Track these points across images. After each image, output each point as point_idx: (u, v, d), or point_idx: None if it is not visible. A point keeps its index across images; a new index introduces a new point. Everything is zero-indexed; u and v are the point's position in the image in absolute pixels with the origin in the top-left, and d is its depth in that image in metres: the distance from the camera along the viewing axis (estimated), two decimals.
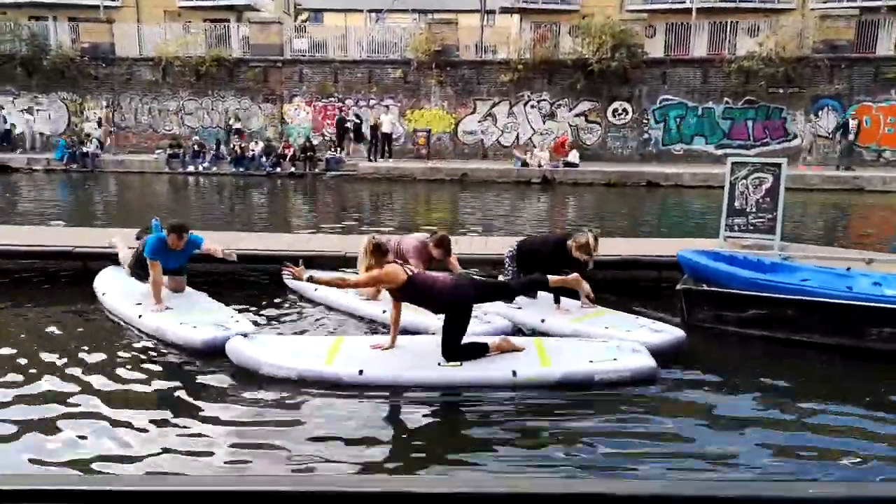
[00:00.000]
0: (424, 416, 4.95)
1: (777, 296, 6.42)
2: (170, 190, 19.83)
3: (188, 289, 7.22)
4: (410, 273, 5.38)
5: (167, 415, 4.83)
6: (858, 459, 4.32)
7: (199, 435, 4.55)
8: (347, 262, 7.90)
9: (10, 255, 8.67)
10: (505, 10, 31.18)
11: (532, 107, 24.16)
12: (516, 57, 23.83)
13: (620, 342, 5.73)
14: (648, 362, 5.43)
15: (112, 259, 7.98)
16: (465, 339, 5.51)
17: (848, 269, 7.16)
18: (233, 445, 4.40)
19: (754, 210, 8.84)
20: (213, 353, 5.75)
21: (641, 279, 8.60)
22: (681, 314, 6.82)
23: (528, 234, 7.38)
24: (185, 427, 4.66)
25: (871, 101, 22.74)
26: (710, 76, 23.39)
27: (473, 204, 17.04)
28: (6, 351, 6.01)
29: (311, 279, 5.27)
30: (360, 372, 5.22)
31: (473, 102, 24.40)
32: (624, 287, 8.45)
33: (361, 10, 32.43)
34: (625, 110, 23.90)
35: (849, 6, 24.98)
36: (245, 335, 5.79)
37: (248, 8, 29.87)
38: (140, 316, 6.50)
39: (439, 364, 5.35)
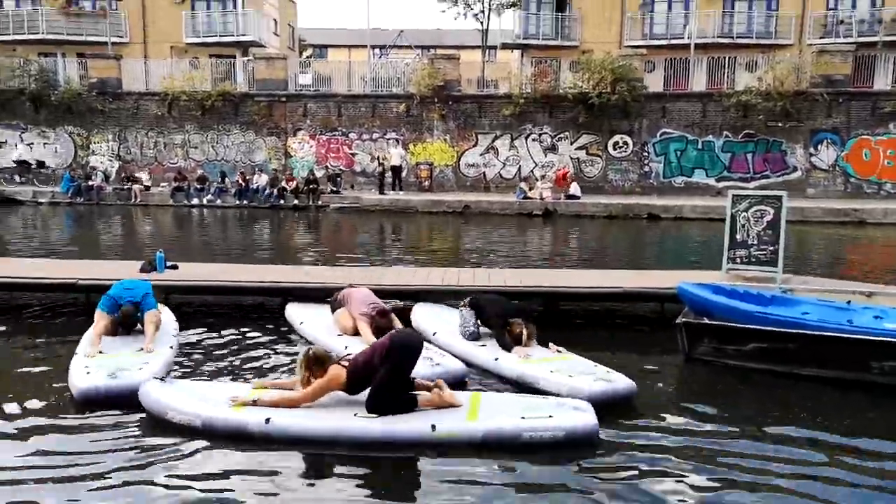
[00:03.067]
0: (328, 473, 4.57)
1: (778, 329, 6.41)
2: (174, 222, 19.96)
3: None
4: (345, 365, 5.15)
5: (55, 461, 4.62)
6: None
7: (84, 482, 4.34)
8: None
9: (12, 287, 8.71)
10: (506, 46, 31.72)
11: (533, 140, 24.41)
12: (517, 91, 24.17)
13: (566, 399, 5.31)
14: (588, 421, 4.90)
15: None
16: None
17: (848, 302, 7.16)
18: (117, 495, 4.20)
19: (756, 242, 8.87)
20: (88, 403, 5.39)
21: (643, 312, 8.60)
22: (682, 347, 6.80)
23: (483, 294, 7.40)
24: (71, 472, 4.46)
25: (870, 134, 22.96)
26: (710, 110, 23.67)
27: (475, 236, 17.10)
28: None
29: (255, 402, 5.01)
30: (267, 420, 4.81)
31: (475, 136, 24.67)
32: (626, 320, 8.46)
33: (365, 46, 32.98)
34: (625, 143, 24.13)
35: (845, 42, 25.37)
36: (162, 379, 5.52)
37: (253, 44, 30.42)
38: (75, 353, 6.27)
39: (356, 415, 4.95)
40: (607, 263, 13.10)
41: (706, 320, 6.90)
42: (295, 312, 7.92)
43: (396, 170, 23.51)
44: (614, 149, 24.19)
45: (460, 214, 20.99)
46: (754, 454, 4.83)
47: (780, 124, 23.08)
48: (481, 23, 34.62)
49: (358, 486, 4.42)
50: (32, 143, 25.90)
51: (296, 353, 6.90)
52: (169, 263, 9.16)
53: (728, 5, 27.86)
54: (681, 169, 24.01)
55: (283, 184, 22.83)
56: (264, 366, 6.66)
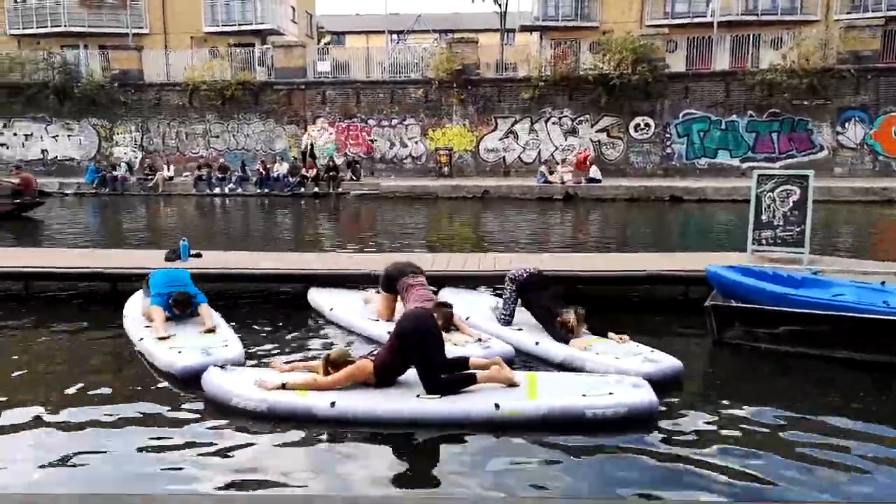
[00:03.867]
0: (396, 453, 4.64)
1: (811, 311, 6.27)
2: (196, 211, 20.16)
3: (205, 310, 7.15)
4: (372, 359, 5.28)
5: (134, 441, 4.76)
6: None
7: (161, 468, 4.43)
8: (374, 280, 8.00)
9: (42, 277, 8.87)
10: (525, 29, 31.39)
11: (553, 123, 24.19)
12: (537, 74, 23.92)
13: (623, 376, 5.36)
14: (647, 397, 4.98)
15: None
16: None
17: (883, 283, 6.98)
18: (186, 479, 4.29)
19: (782, 223, 8.71)
20: (190, 380, 5.64)
21: (668, 295, 8.51)
22: (710, 331, 6.71)
23: (536, 271, 7.17)
24: (146, 456, 4.58)
25: None
26: (733, 89, 23.23)
27: (496, 221, 17.04)
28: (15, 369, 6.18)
29: (283, 386, 5.13)
30: (332, 404, 4.93)
31: (494, 120, 24.51)
32: (650, 303, 8.38)
33: (383, 32, 32.88)
34: (647, 125, 23.81)
35: (874, 16, 24.69)
36: (222, 367, 5.63)
37: (272, 32, 30.44)
38: (141, 339, 6.58)
39: (418, 396, 5.07)
40: (630, 247, 12.99)
41: (734, 303, 6.80)
42: (321, 298, 7.95)
43: (332, 168, 22.57)
44: (636, 131, 23.88)
45: (480, 199, 20.92)
46: (795, 433, 4.82)
47: (805, 102, 22.58)
48: (499, 5, 34.27)
49: (417, 464, 4.54)
50: (57, 136, 26.31)
51: (327, 337, 7.10)
52: (192, 252, 9.26)
53: None
54: (704, 150, 23.64)
55: (304, 171, 22.92)
56: (296, 351, 6.71)
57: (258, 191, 22.80)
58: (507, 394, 5.07)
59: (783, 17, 26.71)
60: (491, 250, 11.88)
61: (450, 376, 5.18)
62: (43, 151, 26.32)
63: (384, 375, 5.23)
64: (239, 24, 30.21)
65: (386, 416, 4.92)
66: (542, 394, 5.06)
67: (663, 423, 4.95)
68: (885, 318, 6.01)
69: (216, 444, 4.71)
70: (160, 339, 6.44)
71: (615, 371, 5.59)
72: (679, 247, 12.76)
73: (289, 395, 5.07)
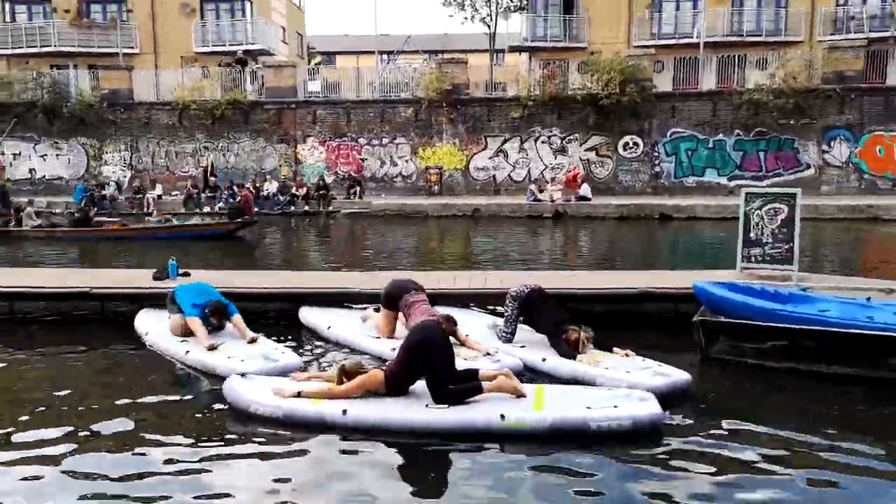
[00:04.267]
0: (403, 461, 4.76)
1: (797, 326, 6.32)
2: None
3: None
4: (384, 369, 5.48)
5: (150, 449, 4.92)
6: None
7: (179, 472, 4.59)
8: (367, 298, 8.01)
9: (28, 298, 8.76)
10: (514, 49, 31.68)
11: (543, 142, 24.35)
12: (526, 94, 24.13)
13: (630, 390, 5.40)
14: (653, 410, 5.00)
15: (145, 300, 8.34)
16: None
17: (868, 298, 7.04)
18: (207, 483, 4.43)
19: (770, 240, 8.76)
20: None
21: (658, 312, 8.51)
22: (698, 346, 6.72)
23: (538, 287, 7.17)
24: (167, 463, 4.72)
25: (884, 130, 22.71)
26: (720, 109, 23.51)
27: (486, 239, 17.05)
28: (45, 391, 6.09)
29: (299, 394, 5.34)
30: (344, 412, 5.11)
31: (484, 139, 24.65)
32: (639, 320, 8.37)
33: (373, 52, 33.12)
34: (635, 144, 24.02)
35: (857, 37, 25.13)
36: (243, 375, 5.82)
37: (262, 52, 30.57)
38: (187, 352, 6.74)
39: (427, 406, 5.20)
40: (620, 265, 13.01)
41: (723, 318, 6.82)
42: (315, 317, 7.92)
43: (322, 188, 22.78)
44: (624, 149, 24.08)
45: (471, 218, 20.95)
46: (787, 446, 4.84)
47: (791, 122, 22.88)
48: (488, 26, 34.69)
49: (424, 473, 4.67)
50: (45, 155, 26.19)
51: (324, 354, 7.14)
52: (181, 270, 9.19)
53: (737, 3, 27.67)
54: (692, 168, 23.85)
55: (294, 190, 22.90)
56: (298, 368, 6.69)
57: None
58: (513, 405, 5.15)
59: (768, 38, 27.12)
60: (481, 268, 11.87)
61: (458, 387, 5.28)
62: (31, 171, 26.19)
63: (395, 385, 5.38)
64: (229, 44, 30.31)
65: (395, 425, 5.07)
66: (548, 406, 5.12)
67: (668, 437, 5.00)
68: (871, 332, 6.04)
69: (234, 449, 4.94)
70: (210, 348, 6.61)
71: (626, 385, 5.60)
72: (669, 264, 12.80)
73: (303, 402, 5.27)
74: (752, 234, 8.84)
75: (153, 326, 7.57)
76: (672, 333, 7.66)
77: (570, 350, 6.38)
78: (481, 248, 15.77)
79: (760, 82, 23.08)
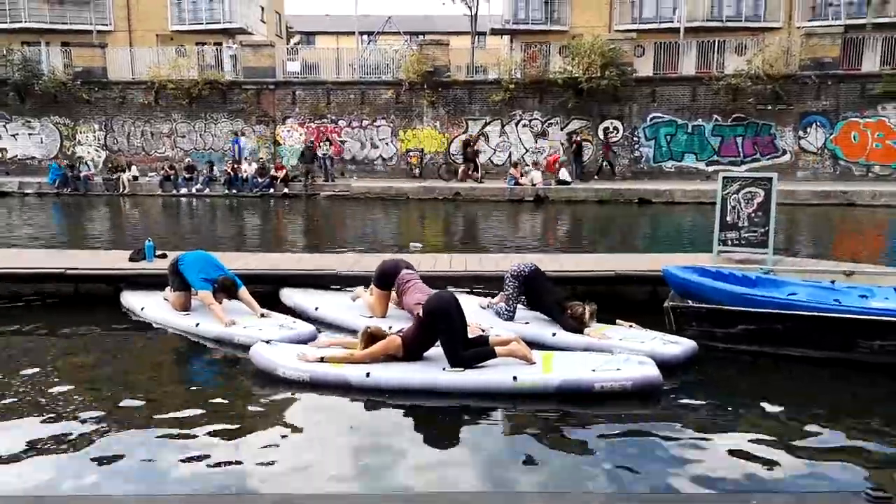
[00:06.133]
0: (423, 420, 5.09)
1: (766, 310, 6.42)
2: (162, 212, 19.81)
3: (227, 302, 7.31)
4: (401, 334, 5.80)
5: (187, 413, 5.10)
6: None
7: (214, 433, 4.78)
8: (349, 280, 8.03)
9: (1, 278, 8.61)
10: (495, 32, 31.59)
11: (524, 126, 24.35)
12: (507, 77, 24.07)
13: (629, 354, 5.75)
14: (651, 373, 5.41)
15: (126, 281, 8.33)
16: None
17: (833, 282, 7.18)
18: (242, 445, 4.64)
19: (746, 224, 8.88)
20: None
21: (635, 295, 8.60)
22: (669, 330, 6.81)
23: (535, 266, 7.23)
24: (203, 425, 4.89)
25: (859, 116, 23.05)
26: (699, 94, 23.67)
27: (467, 222, 17.08)
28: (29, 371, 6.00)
29: (322, 359, 5.67)
30: (367, 375, 5.45)
31: (465, 122, 24.58)
32: (616, 302, 8.46)
33: (353, 33, 32.73)
34: (615, 128, 24.11)
35: (834, 24, 25.40)
36: (268, 342, 6.10)
37: (240, 31, 30.10)
38: (197, 324, 6.90)
39: (444, 369, 5.55)
40: (598, 248, 13.12)
41: (691, 303, 6.91)
42: (300, 298, 7.89)
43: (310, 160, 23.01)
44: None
45: (452, 201, 20.95)
46: (761, 424, 4.96)
47: (769, 107, 23.13)
48: (470, 8, 34.41)
49: (443, 430, 5.01)
50: (17, 134, 25.63)
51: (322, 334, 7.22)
52: (158, 252, 9.09)
53: None
54: (671, 153, 24.04)
55: (273, 172, 22.70)
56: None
57: (226, 191, 22.51)
58: (524, 368, 5.55)
59: (747, 24, 27.33)
60: (462, 251, 11.90)
61: (473, 351, 5.64)
62: (1, 150, 25.62)
63: (412, 350, 5.73)
64: (206, 23, 29.81)
65: (415, 387, 5.42)
66: (556, 369, 5.52)
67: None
68: (837, 315, 6.17)
69: (263, 409, 5.24)
70: (229, 325, 6.70)
71: (643, 354, 5.85)
72: (647, 248, 12.93)
73: (328, 366, 5.60)
74: (728, 218, 8.96)
75: (147, 301, 7.62)
76: (649, 316, 7.75)
77: (575, 324, 6.53)
78: (462, 232, 15.78)
79: (739, 68, 23.26)
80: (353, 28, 32.26)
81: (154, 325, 7.28)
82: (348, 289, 8.12)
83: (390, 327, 6.49)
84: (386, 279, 7.12)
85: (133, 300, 7.84)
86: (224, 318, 6.81)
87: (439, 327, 5.64)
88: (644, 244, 14.18)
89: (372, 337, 5.78)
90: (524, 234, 15.54)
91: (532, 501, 1.12)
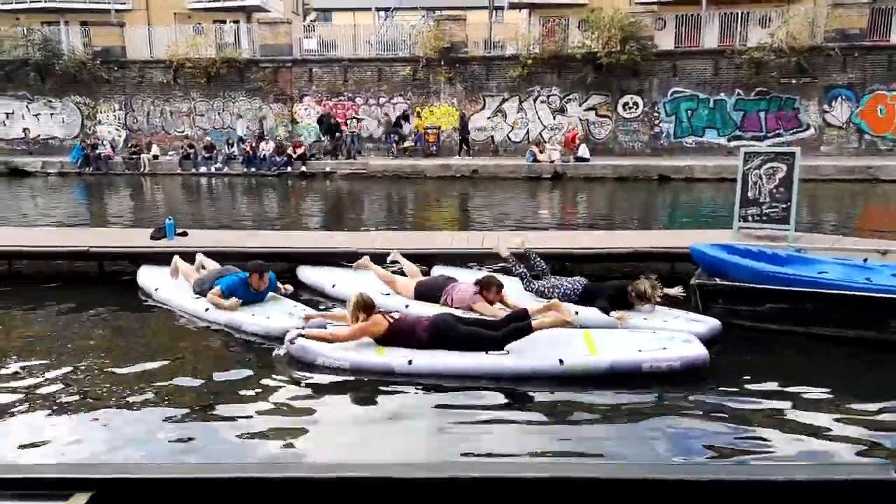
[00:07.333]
0: (469, 404, 5.04)
1: (796, 289, 6.31)
2: (182, 191, 19.99)
3: None
4: (392, 320, 5.72)
5: (221, 400, 5.13)
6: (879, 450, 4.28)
7: (253, 419, 4.82)
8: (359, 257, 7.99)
9: (27, 256, 8.78)
10: (513, 6, 31.09)
11: (542, 102, 24.09)
12: (525, 52, 23.75)
13: (673, 333, 5.69)
14: (700, 351, 5.33)
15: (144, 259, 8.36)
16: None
17: (865, 260, 7.05)
18: (285, 430, 4.67)
19: (768, 200, 8.75)
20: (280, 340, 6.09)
21: (654, 271, 8.55)
22: (695, 309, 6.76)
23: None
24: (239, 413, 4.91)
25: (886, 89, 22.47)
26: (722, 68, 23.21)
27: (485, 200, 17.02)
28: (46, 349, 6.14)
29: (302, 335, 5.66)
30: (410, 362, 5.40)
31: (483, 99, 24.37)
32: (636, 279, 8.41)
33: (370, 9, 32.48)
34: (635, 104, 23.77)
35: None
36: (303, 329, 6.06)
37: (257, 9, 29.98)
38: (207, 309, 6.85)
39: (486, 353, 5.46)
40: (617, 225, 13.03)
41: (719, 281, 6.84)
42: (317, 276, 7.96)
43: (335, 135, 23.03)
44: (624, 109, 23.84)
45: (469, 179, 20.86)
46: (788, 402, 4.97)
47: (793, 81, 22.62)
48: None
49: (489, 414, 4.90)
50: (39, 114, 25.88)
51: (329, 310, 7.23)
52: (178, 230, 9.20)
53: None
54: (692, 129, 23.66)
55: (291, 150, 22.74)
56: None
57: (245, 170, 22.62)
58: (569, 350, 5.42)
59: None
60: (480, 229, 11.89)
61: (506, 331, 5.51)
62: (24, 130, 25.89)
63: (395, 338, 5.65)
64: (223, 0, 29.69)
65: (459, 372, 5.34)
66: (601, 350, 5.40)
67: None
68: (869, 294, 6.07)
69: (299, 401, 5.15)
70: (234, 309, 6.71)
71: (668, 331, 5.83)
72: (667, 225, 12.81)
73: (369, 353, 5.56)
74: (749, 194, 8.84)
75: (161, 282, 7.67)
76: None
77: (641, 303, 6.46)
78: (480, 209, 15.74)
79: (762, 40, 22.74)
80: (370, 4, 31.99)
81: (168, 306, 7.31)
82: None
83: (407, 306, 6.53)
84: (432, 293, 7.00)
85: (148, 281, 7.88)
86: (225, 304, 6.74)
87: (453, 346, 5.55)
88: (663, 221, 14.06)
89: (365, 304, 5.71)
90: (542, 212, 15.47)
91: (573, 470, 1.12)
